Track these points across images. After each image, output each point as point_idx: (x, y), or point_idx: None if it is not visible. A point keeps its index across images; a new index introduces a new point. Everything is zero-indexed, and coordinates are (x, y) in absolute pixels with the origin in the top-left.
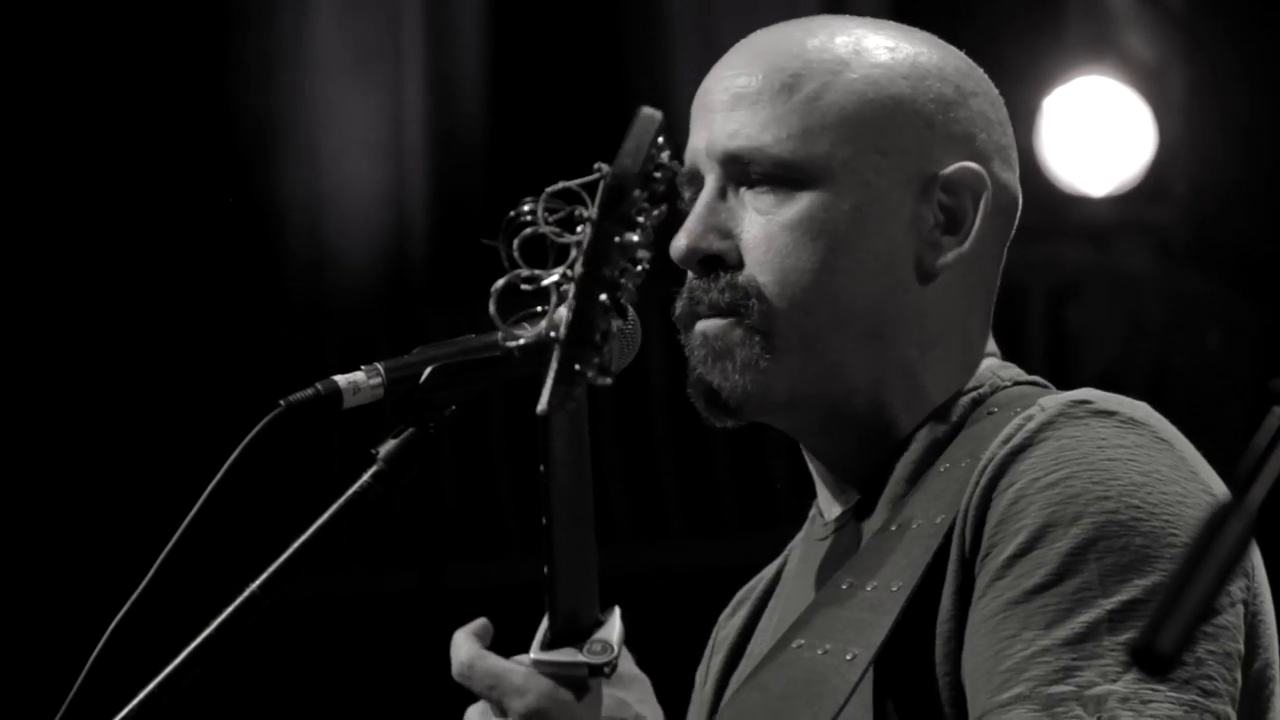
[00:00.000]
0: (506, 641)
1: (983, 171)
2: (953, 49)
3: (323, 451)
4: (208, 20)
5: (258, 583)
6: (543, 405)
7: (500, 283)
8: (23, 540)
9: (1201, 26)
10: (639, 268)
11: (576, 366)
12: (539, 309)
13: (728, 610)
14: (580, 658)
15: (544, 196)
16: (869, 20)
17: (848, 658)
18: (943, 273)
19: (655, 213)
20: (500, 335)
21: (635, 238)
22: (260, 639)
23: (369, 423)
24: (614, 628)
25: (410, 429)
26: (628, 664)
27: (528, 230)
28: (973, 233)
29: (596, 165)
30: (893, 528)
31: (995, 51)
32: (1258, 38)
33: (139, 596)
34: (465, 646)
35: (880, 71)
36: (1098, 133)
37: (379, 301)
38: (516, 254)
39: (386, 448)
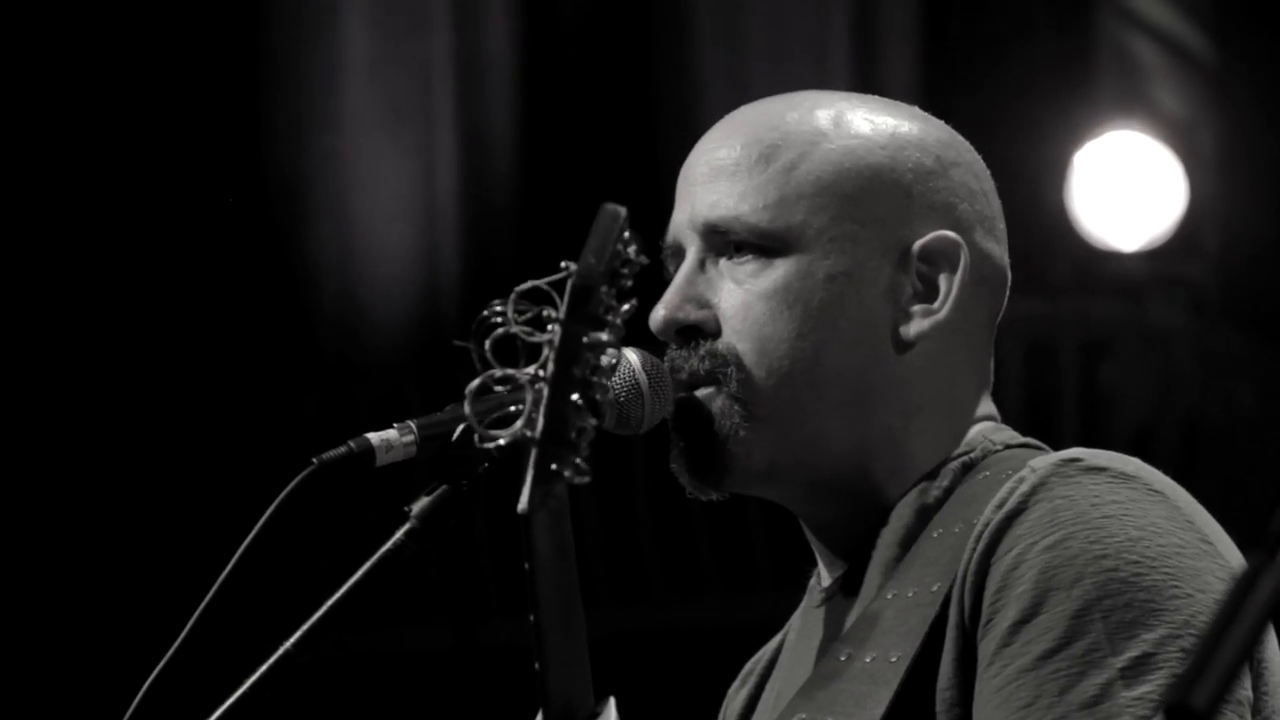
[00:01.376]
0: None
1: (960, 240)
2: (938, 122)
3: (356, 510)
4: (240, 80)
5: (291, 640)
6: (523, 505)
7: (474, 384)
8: (57, 597)
9: (1232, 81)
10: (611, 363)
11: (553, 466)
12: (514, 407)
13: (736, 682)
14: None
15: (513, 296)
16: (855, 95)
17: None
18: (920, 342)
19: (624, 308)
20: (477, 437)
21: (604, 336)
22: (292, 697)
23: (402, 480)
24: (610, 715)
25: (443, 486)
26: None
27: (499, 330)
28: (949, 302)
29: (563, 264)
30: (888, 595)
31: (1026, 106)
32: None
33: (174, 654)
34: None
35: (858, 142)
36: (1129, 188)
37: (411, 359)
38: (489, 354)
39: (420, 505)
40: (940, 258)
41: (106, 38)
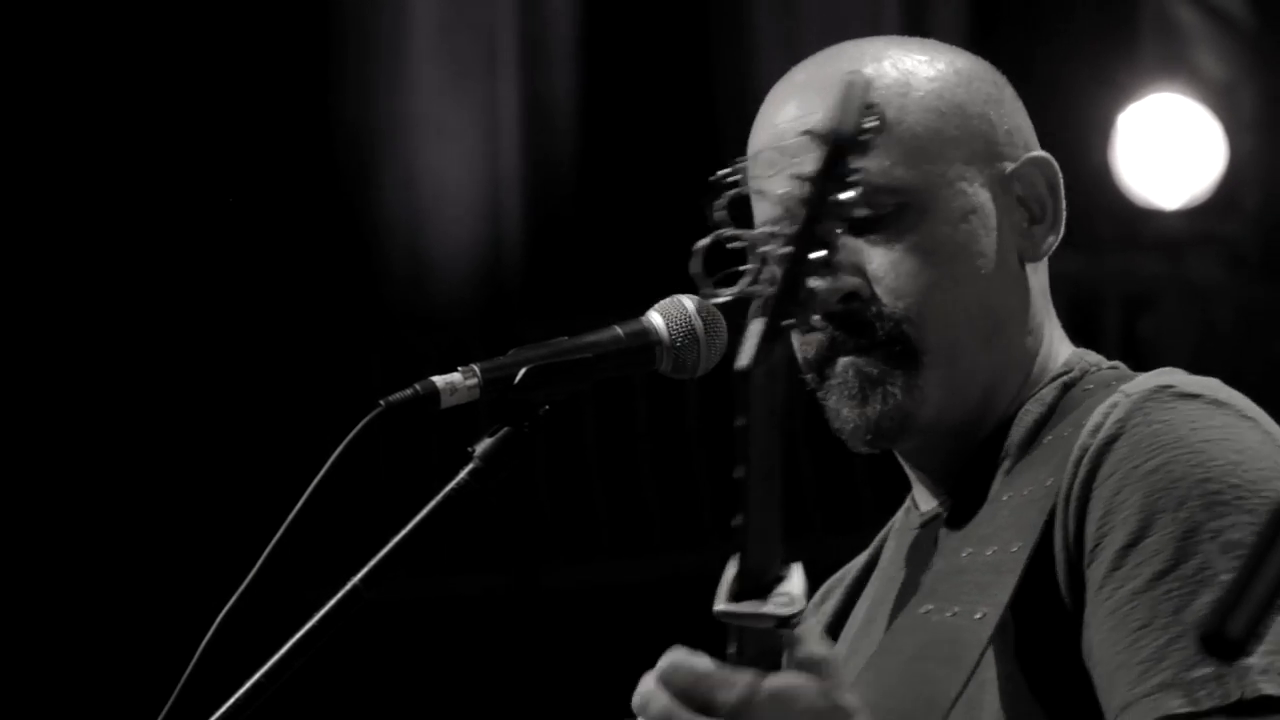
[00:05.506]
0: (601, 642)
1: (1049, 157)
2: (962, 50)
3: (422, 453)
4: (310, 41)
5: (359, 576)
6: (744, 361)
7: (704, 241)
8: (131, 535)
9: (1271, 45)
10: (843, 234)
11: (784, 323)
12: (736, 269)
13: (816, 598)
14: (766, 609)
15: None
16: (878, 40)
17: (976, 616)
18: (1040, 261)
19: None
20: (702, 293)
21: (851, 195)
22: (359, 641)
23: (468, 426)
24: (796, 581)
25: (505, 428)
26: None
27: (734, 191)
28: (1060, 217)
29: (805, 130)
30: (1004, 498)
31: (1072, 69)
32: None
33: (244, 591)
34: (678, 652)
35: (938, 84)
36: (1171, 148)
37: (475, 313)
38: (722, 214)
39: (483, 446)
40: (1037, 178)
41: (181, 3)
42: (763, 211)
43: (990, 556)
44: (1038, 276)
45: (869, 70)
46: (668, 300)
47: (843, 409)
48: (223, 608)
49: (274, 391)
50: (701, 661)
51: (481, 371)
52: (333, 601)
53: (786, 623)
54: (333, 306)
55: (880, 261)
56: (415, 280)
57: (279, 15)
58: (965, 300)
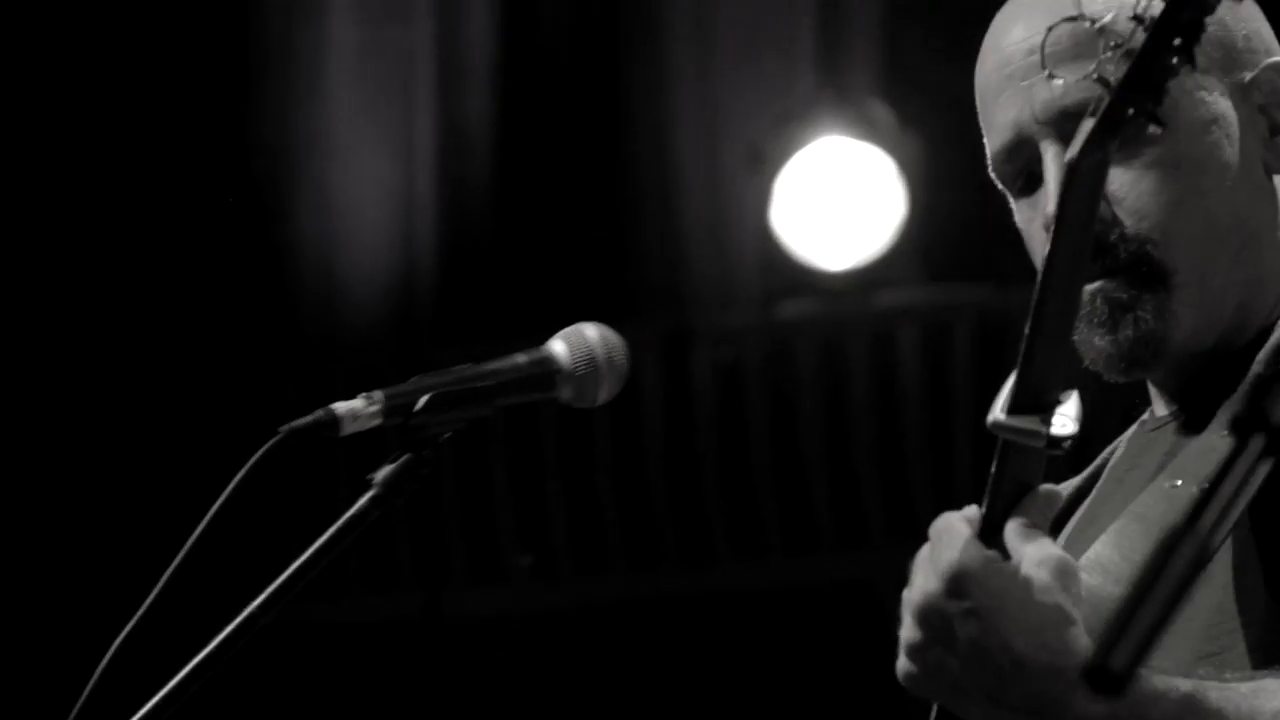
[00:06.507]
0: (502, 672)
1: None
2: None
3: (331, 480)
4: (227, 61)
5: (257, 602)
6: (1073, 152)
7: (1055, 21)
8: (27, 559)
9: None
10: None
11: (1130, 111)
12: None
13: None
14: (1040, 428)
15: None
16: None
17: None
18: None
19: None
20: (1046, 72)
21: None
22: (265, 664)
23: (377, 452)
24: (1075, 405)
25: (406, 455)
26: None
27: None
28: None
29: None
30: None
31: None
32: None
33: (143, 614)
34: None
35: None
36: None
37: (389, 338)
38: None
39: (383, 473)
40: (1278, 84)
41: (96, 21)
42: (994, 141)
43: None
44: None
45: None
46: (570, 329)
47: (1094, 338)
48: (123, 628)
49: (183, 414)
50: (962, 529)
51: (384, 398)
52: (230, 626)
53: (1059, 444)
54: (245, 329)
55: (1119, 181)
56: (328, 304)
57: (197, 35)
58: (1211, 215)
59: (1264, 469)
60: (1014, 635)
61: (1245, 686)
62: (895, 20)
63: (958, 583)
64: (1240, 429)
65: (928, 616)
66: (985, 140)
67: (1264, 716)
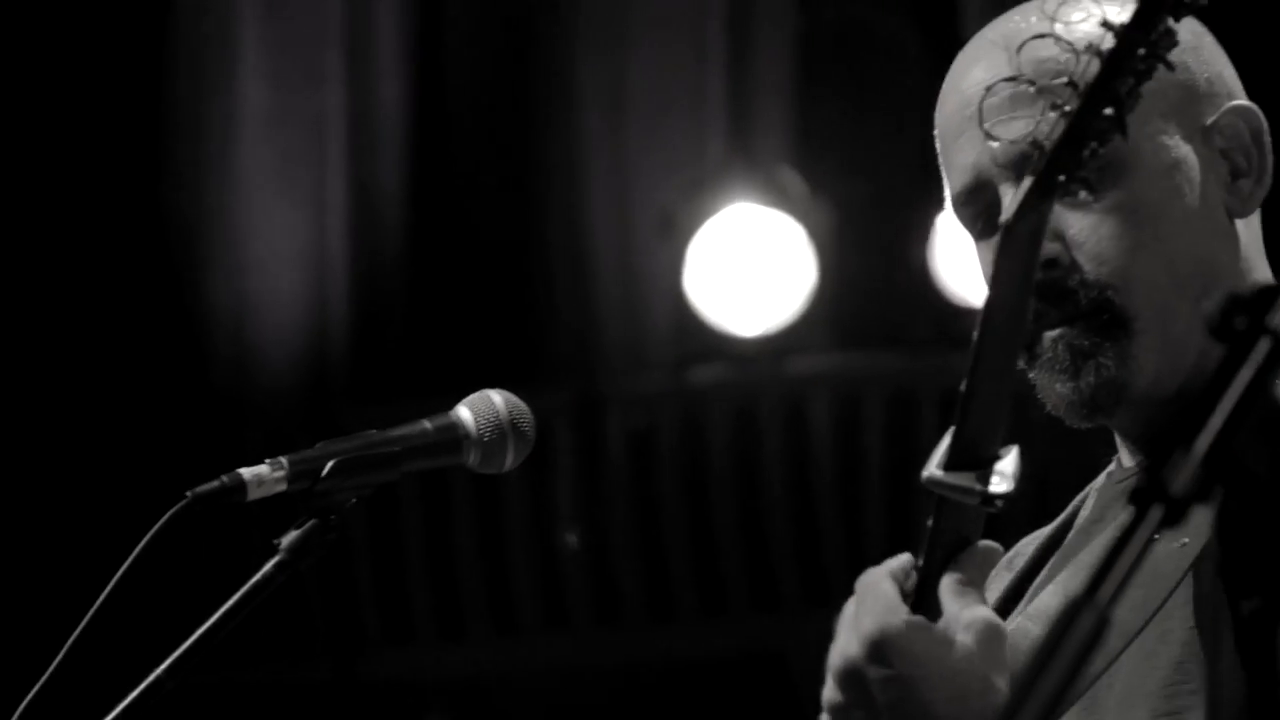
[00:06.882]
0: None
1: (1251, 105)
2: None
3: (241, 546)
4: (140, 128)
5: (162, 667)
6: (1007, 215)
7: (992, 82)
8: None
9: None
10: (1138, 101)
11: (1060, 178)
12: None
13: (1004, 560)
14: (975, 484)
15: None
16: None
17: (1178, 545)
18: (1249, 216)
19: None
20: (986, 128)
21: (1162, 50)
22: None
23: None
24: (1012, 461)
25: (312, 520)
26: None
27: (1033, 37)
28: (1268, 168)
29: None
30: None
31: (892, 169)
32: None
33: (47, 680)
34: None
35: None
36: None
37: (300, 401)
38: (1018, 55)
39: (289, 538)
40: (1240, 128)
41: (7, 84)
42: (954, 182)
43: None
44: (1249, 230)
45: (1045, 26)
46: (477, 395)
47: (1056, 385)
48: (26, 695)
49: (93, 477)
50: (886, 588)
51: (289, 464)
52: (135, 692)
53: (993, 501)
54: (157, 392)
55: (1079, 225)
56: (240, 368)
57: (109, 99)
58: (1173, 261)
59: (1172, 542)
60: (934, 702)
61: None
62: (805, 87)
63: (878, 649)
64: (1139, 500)
65: (849, 679)
66: (945, 181)
67: None
